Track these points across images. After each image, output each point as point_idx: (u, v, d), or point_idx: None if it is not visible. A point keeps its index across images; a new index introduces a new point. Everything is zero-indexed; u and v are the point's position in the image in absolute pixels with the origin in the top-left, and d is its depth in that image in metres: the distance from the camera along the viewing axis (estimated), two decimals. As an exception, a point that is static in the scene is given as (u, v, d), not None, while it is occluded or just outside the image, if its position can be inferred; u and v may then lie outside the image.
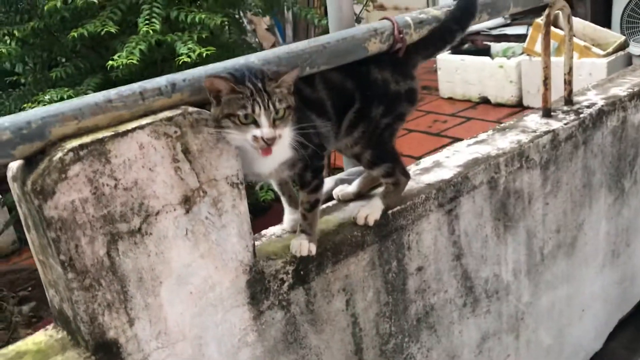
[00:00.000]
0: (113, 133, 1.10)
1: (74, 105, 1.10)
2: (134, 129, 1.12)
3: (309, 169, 1.39)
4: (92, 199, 1.09)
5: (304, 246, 1.40)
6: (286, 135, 1.25)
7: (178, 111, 1.17)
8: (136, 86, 1.17)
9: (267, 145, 1.20)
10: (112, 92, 1.15)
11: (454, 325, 1.84)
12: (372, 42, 1.47)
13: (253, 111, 1.19)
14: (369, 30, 1.47)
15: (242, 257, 1.31)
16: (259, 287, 1.35)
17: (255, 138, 1.19)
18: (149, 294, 1.19)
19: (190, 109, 1.19)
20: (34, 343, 1.21)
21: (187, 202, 1.20)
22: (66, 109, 1.09)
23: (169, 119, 1.15)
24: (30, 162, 1.09)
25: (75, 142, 1.07)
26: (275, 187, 1.54)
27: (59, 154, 1.05)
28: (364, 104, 1.47)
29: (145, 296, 1.18)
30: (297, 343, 1.45)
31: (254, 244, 1.34)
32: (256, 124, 1.19)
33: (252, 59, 1.30)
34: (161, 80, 1.20)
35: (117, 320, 1.16)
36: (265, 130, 1.19)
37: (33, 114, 1.07)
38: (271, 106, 1.20)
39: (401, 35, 1.51)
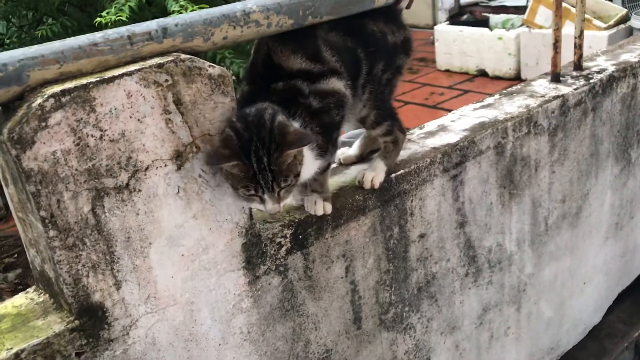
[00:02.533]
0: (98, 79, 1.01)
1: (55, 47, 1.01)
2: (121, 75, 1.02)
3: (321, 144, 1.29)
4: (75, 151, 1.00)
5: (319, 205, 1.33)
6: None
7: (169, 58, 1.08)
8: (124, 29, 1.07)
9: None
10: (97, 35, 1.05)
11: (455, 295, 1.77)
12: (379, -8, 1.37)
13: (256, 191, 1.14)
14: (375, -21, 1.37)
15: (238, 218, 1.23)
16: (255, 251, 1.27)
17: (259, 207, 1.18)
18: (137, 255, 1.10)
19: (183, 56, 1.09)
20: (14, 306, 1.13)
21: (179, 157, 1.11)
22: (47, 51, 1.00)
23: (160, 65, 1.06)
24: (7, 109, 0.99)
25: (56, 88, 0.98)
26: None
27: (39, 100, 0.96)
28: (370, 61, 1.38)
29: (133, 257, 1.10)
30: (294, 310, 1.38)
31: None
32: (261, 199, 1.15)
33: (250, 4, 1.20)
34: (151, 24, 1.10)
35: (103, 282, 1.08)
36: (269, 207, 1.15)
37: (10, 55, 0.98)
38: (276, 187, 1.14)
39: (409, -14, 1.41)
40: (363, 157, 1.61)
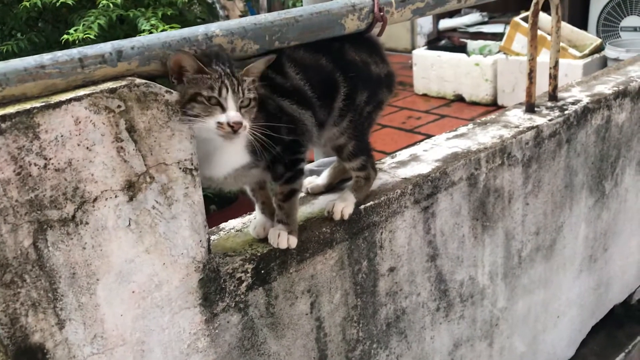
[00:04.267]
0: (44, 104, 0.94)
1: (-3, 69, 0.94)
2: (69, 100, 0.95)
3: (280, 162, 1.25)
4: (15, 180, 0.93)
5: (282, 238, 1.26)
6: (244, 135, 1.12)
7: (123, 82, 1.01)
8: (75, 51, 1.01)
9: (233, 131, 1.09)
10: (45, 57, 0.98)
11: (426, 330, 1.71)
12: (350, 19, 1.33)
13: (220, 93, 1.08)
14: (346, 5, 1.33)
15: (195, 253, 1.16)
16: (213, 287, 1.20)
17: (220, 125, 1.08)
18: (83, 293, 1.03)
19: (138, 80, 1.03)
20: (-53, 346, 1.04)
21: (131, 188, 1.04)
22: (-13, 73, 0.93)
23: (112, 90, 0.99)
24: (-58, 134, 0.92)
25: (-4, 113, 0.91)
26: (248, 191, 1.39)
27: (-24, 126, 0.88)
28: (349, 88, 1.33)
29: (78, 295, 1.02)
30: (255, 349, 1.31)
31: (209, 238, 1.18)
32: (222, 108, 1.08)
33: (214, 28, 1.14)
34: (105, 47, 1.04)
35: (44, 322, 1.00)
36: (231, 114, 1.09)
37: (-54, 76, 0.91)
38: (240, 91, 1.10)
39: (382, 14, 1.37)
40: (332, 187, 1.56)
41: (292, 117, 1.24)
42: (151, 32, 2.28)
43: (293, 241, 1.28)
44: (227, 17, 5.12)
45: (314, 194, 1.53)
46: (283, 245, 1.27)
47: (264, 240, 1.31)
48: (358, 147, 1.40)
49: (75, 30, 2.28)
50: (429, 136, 1.85)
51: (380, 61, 1.41)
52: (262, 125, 1.14)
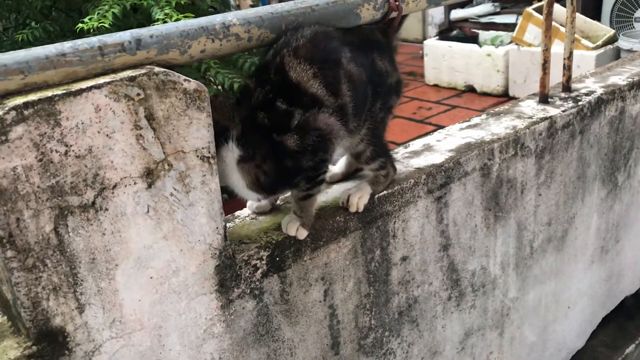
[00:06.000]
0: (65, 92, 0.95)
1: (19, 57, 0.95)
2: (89, 88, 0.97)
3: (303, 179, 1.24)
4: (37, 167, 0.94)
5: (292, 226, 1.28)
6: None
7: (142, 70, 1.02)
8: (95, 40, 1.02)
9: None
10: (66, 45, 0.99)
11: (437, 319, 1.72)
12: (365, 8, 1.33)
13: None
14: (362, -6, 1.33)
15: (211, 240, 1.17)
16: (228, 274, 1.21)
17: None
18: (102, 278, 1.04)
19: (157, 69, 1.04)
20: (-31, 328, 1.07)
21: (150, 175, 1.06)
22: (10, 60, 0.94)
23: (131, 78, 1.00)
24: (-34, 121, 0.93)
25: (19, 100, 0.92)
26: None
27: (-1, 112, 0.90)
28: (373, 98, 1.33)
29: (98, 280, 1.04)
30: (269, 335, 1.32)
31: (225, 225, 1.20)
32: None
33: (230, 17, 1.15)
34: (125, 35, 1.05)
35: (65, 306, 1.02)
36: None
37: (-31, 64, 0.92)
38: None
39: (397, 3, 1.37)
40: (348, 175, 1.56)
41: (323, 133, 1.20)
42: (165, 21, 2.29)
43: (302, 233, 1.29)
44: (238, 7, 5.11)
45: (332, 182, 1.54)
46: (292, 233, 1.28)
47: (278, 227, 1.32)
48: (375, 152, 1.40)
49: (89, 19, 2.29)
50: (439, 127, 1.86)
51: (392, 68, 1.39)
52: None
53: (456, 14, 6.59)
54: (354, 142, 1.36)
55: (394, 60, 1.42)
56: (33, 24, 2.82)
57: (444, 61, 5.97)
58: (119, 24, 2.43)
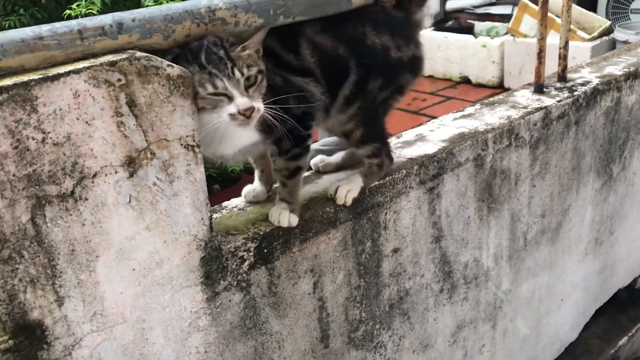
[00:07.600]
0: (42, 76, 0.91)
1: (-6, 40, 0.91)
2: (67, 73, 0.93)
3: (288, 137, 1.21)
4: (13, 155, 0.91)
5: (283, 216, 1.25)
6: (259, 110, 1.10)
7: (123, 55, 0.99)
8: (74, 23, 0.98)
9: (246, 117, 1.07)
10: (44, 28, 0.96)
11: (429, 312, 1.70)
12: (356, -7, 1.29)
13: (215, 86, 1.06)
14: (353, -22, 1.29)
15: (196, 230, 1.14)
16: (214, 266, 1.18)
17: (232, 116, 1.07)
18: (82, 270, 1.01)
19: (139, 53, 1.01)
20: (-55, 321, 1.03)
21: (132, 164, 1.02)
22: (-16, 43, 0.90)
23: (112, 63, 0.97)
24: (-63, 106, 0.90)
25: (-7, 85, 0.88)
26: (251, 160, 1.38)
27: (-28, 98, 0.86)
28: (361, 75, 1.28)
29: (77, 272, 1.01)
30: (257, 328, 1.30)
31: (210, 216, 1.17)
32: (228, 98, 1.06)
33: (216, 1, 1.11)
34: (106, 18, 1.01)
35: (43, 298, 0.98)
36: (239, 101, 1.06)
37: (-59, 47, 0.88)
38: (237, 72, 1.07)
39: (389, -14, 1.33)
40: (342, 168, 1.53)
41: (302, 88, 1.21)
42: (154, 8, 2.24)
43: (294, 219, 1.26)
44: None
45: (325, 172, 1.50)
46: (284, 223, 1.25)
47: (266, 218, 1.29)
48: (367, 134, 1.35)
49: (77, 6, 2.24)
50: (434, 118, 1.82)
51: (404, 44, 1.34)
52: (273, 100, 1.11)
53: (452, 4, 6.53)
54: (339, 118, 1.32)
55: (408, 35, 1.36)
56: (21, 11, 2.78)
57: (439, 52, 5.92)
58: (108, 11, 2.38)
